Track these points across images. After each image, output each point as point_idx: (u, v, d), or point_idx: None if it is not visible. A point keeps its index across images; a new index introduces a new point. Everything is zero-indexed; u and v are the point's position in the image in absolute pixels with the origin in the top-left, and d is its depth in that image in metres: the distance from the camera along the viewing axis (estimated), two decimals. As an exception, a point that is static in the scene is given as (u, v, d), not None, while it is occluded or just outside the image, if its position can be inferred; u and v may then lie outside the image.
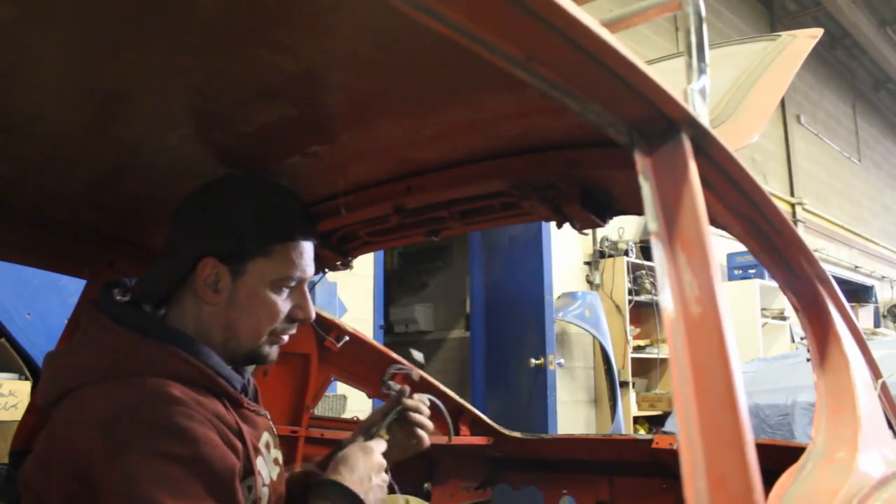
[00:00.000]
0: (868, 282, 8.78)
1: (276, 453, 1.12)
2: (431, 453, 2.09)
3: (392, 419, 1.23)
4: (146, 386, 0.92)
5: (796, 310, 1.11)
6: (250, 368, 1.15)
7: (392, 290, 5.51)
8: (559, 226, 1.21)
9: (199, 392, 0.97)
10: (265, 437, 1.09)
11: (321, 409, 2.68)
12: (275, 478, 1.08)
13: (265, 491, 1.04)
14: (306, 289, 1.10)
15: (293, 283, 1.06)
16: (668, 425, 3.85)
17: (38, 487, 0.93)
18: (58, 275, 1.46)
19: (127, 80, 0.83)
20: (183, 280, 1.04)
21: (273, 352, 1.09)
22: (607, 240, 4.85)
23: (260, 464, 1.03)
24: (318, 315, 1.76)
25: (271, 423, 1.15)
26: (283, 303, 1.06)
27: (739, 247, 5.15)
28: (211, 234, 1.03)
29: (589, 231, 4.52)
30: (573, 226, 1.20)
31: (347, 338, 1.83)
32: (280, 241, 1.04)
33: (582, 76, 0.51)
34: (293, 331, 1.11)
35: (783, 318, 5.90)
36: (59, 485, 0.89)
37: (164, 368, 0.95)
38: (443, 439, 2.04)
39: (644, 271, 4.85)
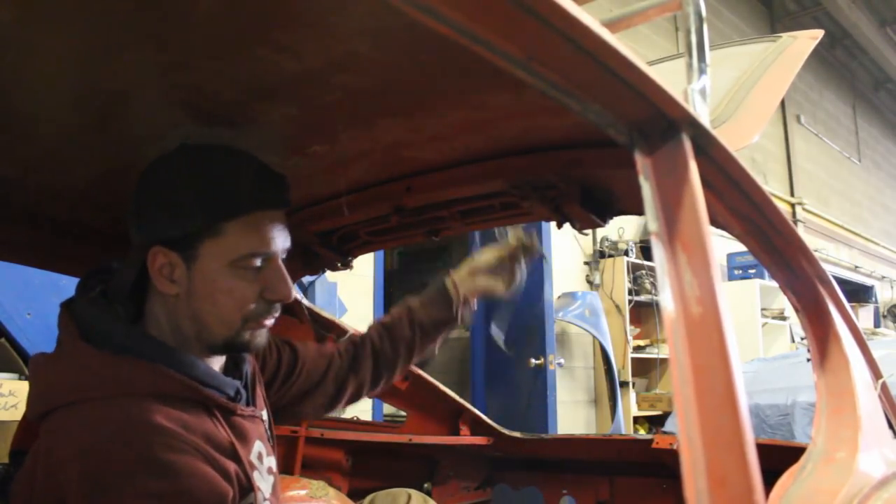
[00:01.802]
0: (868, 282, 8.78)
1: (270, 461, 1.05)
2: (431, 453, 2.09)
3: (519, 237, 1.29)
4: (125, 413, 0.85)
5: (796, 310, 1.11)
6: (250, 367, 1.13)
7: (392, 290, 5.51)
8: (559, 226, 1.21)
9: (186, 408, 0.90)
10: (257, 446, 1.01)
11: (321, 409, 2.68)
12: (270, 490, 1.03)
13: None
14: (280, 265, 0.97)
15: (258, 262, 0.94)
16: (668, 425, 3.85)
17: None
18: (58, 275, 1.46)
19: (127, 79, 0.83)
20: (143, 273, 0.94)
21: (256, 337, 0.98)
22: (607, 240, 4.85)
23: (257, 478, 0.98)
24: (318, 315, 1.77)
25: (266, 426, 1.08)
26: (250, 285, 0.94)
27: (739, 247, 5.15)
28: (154, 219, 0.92)
29: (589, 231, 4.52)
30: (573, 226, 1.20)
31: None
32: (229, 216, 0.91)
33: (582, 76, 0.51)
34: (275, 313, 0.99)
35: (783, 318, 5.90)
36: None
37: (145, 387, 0.88)
38: (443, 439, 2.05)
39: (644, 271, 4.85)
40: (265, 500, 0.99)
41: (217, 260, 0.92)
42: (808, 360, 1.18)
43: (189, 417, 0.89)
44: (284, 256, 0.99)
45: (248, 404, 1.04)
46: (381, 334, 1.33)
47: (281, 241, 0.96)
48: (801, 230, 6.80)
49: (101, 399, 0.87)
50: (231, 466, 0.92)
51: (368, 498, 1.68)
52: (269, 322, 0.99)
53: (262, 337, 0.99)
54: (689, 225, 0.53)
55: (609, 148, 0.96)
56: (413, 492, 1.74)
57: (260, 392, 1.13)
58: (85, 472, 0.81)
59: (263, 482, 1.00)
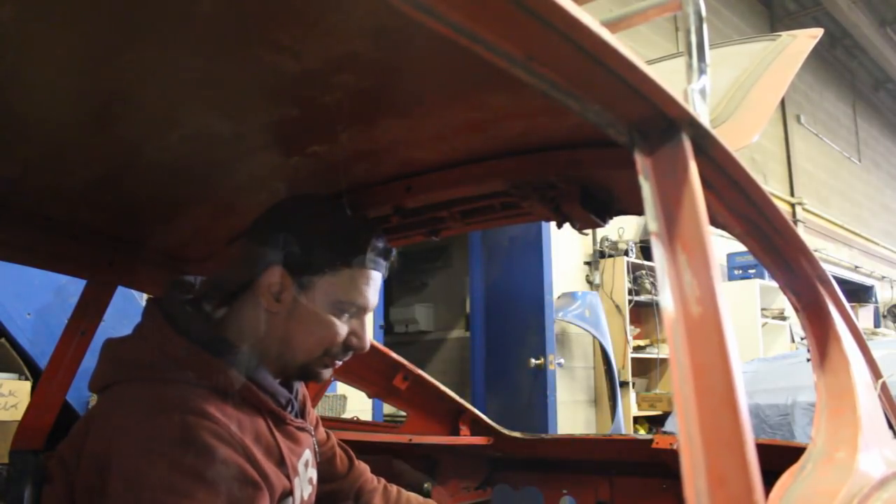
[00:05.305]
0: (868, 282, 8.78)
1: (312, 472, 1.12)
2: (431, 453, 2.09)
3: None
4: (181, 394, 0.93)
5: (796, 310, 1.10)
6: (301, 388, 1.17)
7: (392, 290, 5.51)
8: (559, 226, 1.21)
9: (241, 407, 0.98)
10: (306, 454, 1.09)
11: (321, 409, 2.69)
12: (306, 497, 1.09)
13: None
14: (366, 319, 1.10)
15: (354, 310, 1.06)
16: (668, 425, 3.85)
17: (69, 465, 0.97)
18: (58, 275, 1.46)
19: (127, 79, 0.83)
20: (247, 285, 1.05)
21: (325, 373, 1.09)
22: (607, 240, 4.85)
23: (297, 484, 1.04)
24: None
25: (315, 438, 1.16)
26: (342, 327, 1.06)
27: (739, 247, 5.15)
28: (283, 245, 1.04)
29: (589, 231, 4.52)
30: (573, 226, 1.20)
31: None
32: (351, 264, 1.04)
33: (582, 76, 0.51)
34: (347, 358, 1.10)
35: (783, 318, 5.90)
36: (85, 470, 0.93)
37: (205, 378, 0.97)
38: (443, 439, 2.05)
39: (644, 271, 4.85)
40: None
41: (325, 296, 1.03)
42: (808, 360, 1.18)
43: (242, 416, 0.98)
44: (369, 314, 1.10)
45: (297, 416, 1.11)
46: None
47: (375, 299, 1.09)
48: (801, 230, 6.81)
49: (160, 380, 0.96)
50: (271, 469, 0.98)
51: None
52: (339, 362, 1.10)
53: (329, 373, 1.10)
54: (689, 225, 0.53)
55: (609, 148, 0.96)
56: (412, 495, 1.75)
57: (310, 413, 1.21)
58: (132, 436, 0.89)
59: (300, 489, 1.06)
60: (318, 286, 1.03)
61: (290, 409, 1.08)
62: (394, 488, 1.42)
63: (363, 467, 1.41)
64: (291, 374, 1.08)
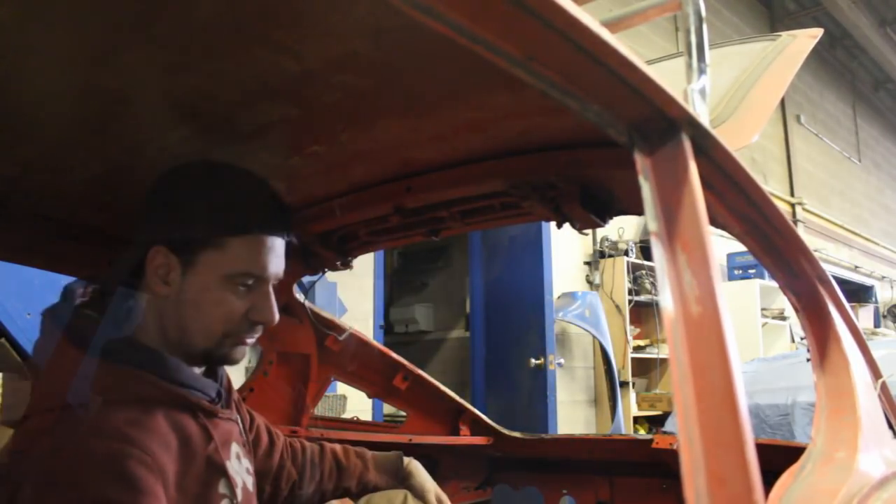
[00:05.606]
0: (868, 282, 8.78)
1: (247, 463, 1.09)
2: (431, 453, 2.09)
3: None
4: (105, 420, 0.89)
5: (796, 310, 1.11)
6: (225, 372, 1.14)
7: (392, 290, 5.51)
8: (559, 226, 1.21)
9: (174, 410, 0.95)
10: (234, 448, 1.05)
11: (321, 409, 2.68)
12: (251, 488, 1.07)
13: None
14: (270, 289, 1.01)
15: (250, 282, 0.98)
16: (668, 425, 3.85)
17: None
18: (58, 275, 1.45)
19: (127, 80, 0.83)
20: (139, 271, 0.98)
21: (236, 353, 1.02)
22: (607, 240, 4.85)
23: (234, 476, 1.02)
24: (318, 315, 1.77)
25: (240, 429, 1.11)
26: (240, 302, 0.98)
27: (739, 247, 5.14)
28: (163, 222, 0.97)
29: (589, 231, 4.52)
30: (573, 226, 1.20)
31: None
32: (235, 232, 0.96)
33: (582, 76, 0.51)
34: (257, 334, 1.03)
35: (783, 318, 5.90)
36: None
37: (130, 393, 0.93)
38: (443, 439, 2.05)
39: (644, 271, 4.85)
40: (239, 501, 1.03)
41: (213, 271, 0.96)
42: (808, 360, 1.18)
43: (176, 416, 0.95)
44: (275, 283, 1.02)
45: (225, 407, 1.07)
46: (333, 469, 1.40)
47: (275, 267, 1.00)
48: (801, 230, 6.81)
49: (83, 407, 0.90)
50: (206, 466, 0.96)
51: (365, 499, 1.69)
52: (251, 340, 1.03)
53: (241, 353, 1.03)
54: (689, 225, 0.53)
55: (609, 148, 0.96)
56: (410, 494, 1.75)
57: (234, 398, 1.16)
58: (59, 468, 0.84)
59: (240, 479, 1.04)
60: (205, 262, 0.95)
61: (219, 401, 1.04)
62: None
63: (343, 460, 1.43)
64: (197, 361, 1.01)
